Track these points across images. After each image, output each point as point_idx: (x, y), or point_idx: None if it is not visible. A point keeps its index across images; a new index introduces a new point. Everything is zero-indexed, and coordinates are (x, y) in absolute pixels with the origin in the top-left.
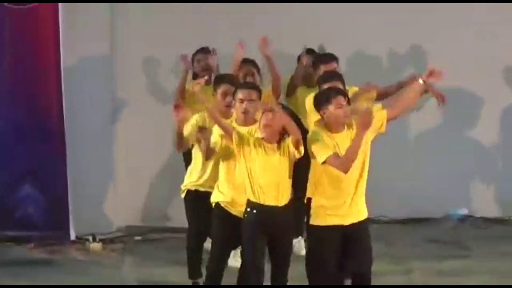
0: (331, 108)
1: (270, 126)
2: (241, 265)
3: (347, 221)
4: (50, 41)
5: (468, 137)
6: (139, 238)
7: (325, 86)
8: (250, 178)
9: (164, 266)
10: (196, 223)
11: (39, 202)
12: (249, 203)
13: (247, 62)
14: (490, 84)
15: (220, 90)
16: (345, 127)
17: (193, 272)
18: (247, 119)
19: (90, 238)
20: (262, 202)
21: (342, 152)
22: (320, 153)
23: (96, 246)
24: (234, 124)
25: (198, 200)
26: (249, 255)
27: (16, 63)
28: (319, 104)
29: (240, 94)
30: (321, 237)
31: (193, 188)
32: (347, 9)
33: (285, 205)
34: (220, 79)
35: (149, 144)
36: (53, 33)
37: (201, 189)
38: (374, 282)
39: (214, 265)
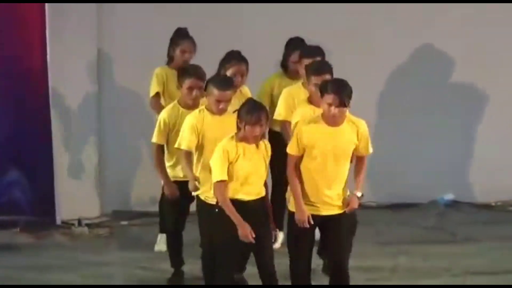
0: (324, 103)
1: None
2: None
3: (322, 212)
4: (36, 29)
5: (454, 124)
6: (125, 222)
7: (314, 78)
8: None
9: (150, 251)
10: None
11: (25, 187)
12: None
13: (240, 59)
14: (477, 73)
15: (185, 85)
16: (347, 123)
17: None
18: (221, 113)
19: (76, 223)
20: (239, 197)
21: (337, 145)
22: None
23: (82, 230)
24: (206, 113)
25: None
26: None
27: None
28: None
29: (216, 93)
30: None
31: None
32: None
33: (261, 198)
34: (185, 72)
35: (136, 128)
36: (39, 28)
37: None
38: (361, 264)
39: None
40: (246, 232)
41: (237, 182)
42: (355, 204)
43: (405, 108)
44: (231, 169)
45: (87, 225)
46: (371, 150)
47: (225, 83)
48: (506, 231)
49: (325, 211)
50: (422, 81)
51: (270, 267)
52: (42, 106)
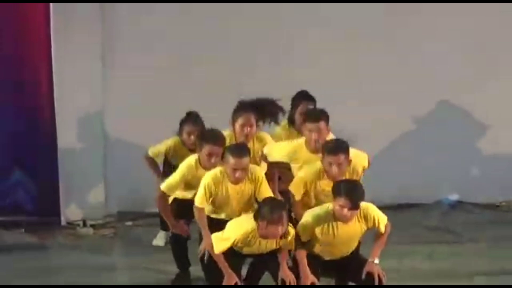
0: (336, 204)
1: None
2: None
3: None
4: (40, 29)
5: (458, 123)
6: (130, 223)
7: (308, 126)
8: None
9: (155, 251)
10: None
11: (30, 188)
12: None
13: (245, 108)
14: (479, 72)
15: (205, 151)
16: (356, 219)
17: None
18: (238, 182)
19: (81, 223)
20: None
21: (347, 236)
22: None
23: (86, 231)
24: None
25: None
26: None
27: (2, 50)
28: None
29: (232, 162)
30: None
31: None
32: None
33: None
34: (205, 137)
35: (142, 128)
36: (44, 22)
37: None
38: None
39: None
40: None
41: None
42: (374, 270)
43: (410, 108)
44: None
45: (92, 225)
46: (383, 229)
47: (241, 150)
48: (511, 231)
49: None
50: (427, 79)
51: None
52: (47, 106)
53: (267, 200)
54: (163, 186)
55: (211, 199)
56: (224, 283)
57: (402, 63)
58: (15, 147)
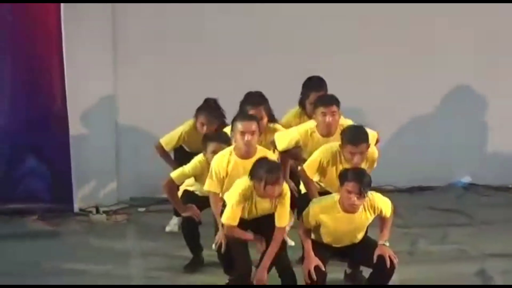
0: (343, 191)
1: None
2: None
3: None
4: (50, 20)
5: (471, 106)
6: (143, 209)
7: (321, 109)
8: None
9: (168, 237)
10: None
11: (43, 175)
12: None
13: (255, 103)
14: (496, 54)
15: (209, 149)
16: (363, 209)
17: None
18: (248, 147)
19: (94, 210)
20: None
21: (353, 227)
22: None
23: (99, 218)
24: (233, 157)
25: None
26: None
27: (17, 44)
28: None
29: (240, 126)
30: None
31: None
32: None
33: None
34: (208, 138)
35: (153, 115)
36: (55, 23)
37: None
38: None
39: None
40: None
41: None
42: (386, 252)
43: (423, 92)
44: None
45: (105, 212)
46: (388, 214)
47: (248, 116)
48: None
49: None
50: (439, 62)
51: (285, 260)
52: (59, 94)
53: (263, 161)
54: (173, 174)
55: (224, 181)
56: (258, 249)
57: (414, 48)
58: (28, 135)
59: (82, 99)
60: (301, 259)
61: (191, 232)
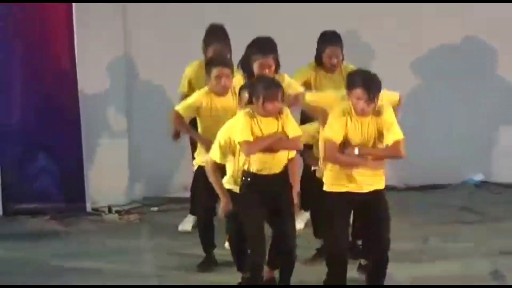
0: (352, 97)
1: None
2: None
3: (361, 189)
4: (63, 24)
5: (482, 103)
6: (155, 209)
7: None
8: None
9: (180, 236)
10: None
11: (55, 175)
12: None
13: (267, 50)
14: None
15: (213, 74)
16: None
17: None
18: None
19: (106, 209)
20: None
21: (365, 135)
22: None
23: (112, 217)
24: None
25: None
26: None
27: (28, 37)
28: (347, 86)
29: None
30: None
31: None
32: None
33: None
34: (212, 62)
35: (165, 115)
36: (66, 23)
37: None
38: (391, 246)
39: None
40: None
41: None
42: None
43: (435, 91)
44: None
45: (117, 212)
46: (390, 141)
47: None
48: None
49: (363, 188)
50: (451, 66)
51: (290, 241)
52: (71, 94)
53: (260, 77)
54: (177, 106)
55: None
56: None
57: (426, 51)
58: (40, 134)
59: (94, 98)
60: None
61: (206, 225)
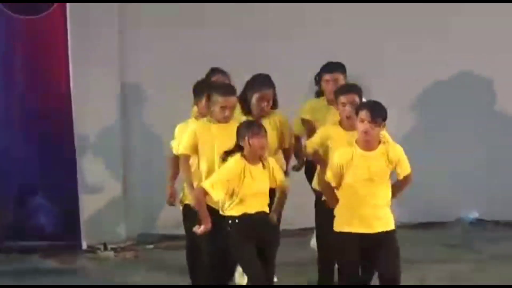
0: (358, 120)
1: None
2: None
3: (371, 230)
4: (59, 49)
5: (479, 140)
6: (151, 246)
7: (342, 98)
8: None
9: (176, 274)
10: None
11: (50, 212)
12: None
13: (265, 84)
14: (504, 90)
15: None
16: (381, 152)
17: None
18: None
19: (102, 247)
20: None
21: (372, 170)
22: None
23: (107, 254)
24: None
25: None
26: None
27: (27, 76)
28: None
29: (221, 100)
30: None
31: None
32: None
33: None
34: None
35: (161, 151)
36: (62, 46)
37: None
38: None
39: None
40: (206, 228)
41: (241, 200)
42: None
43: (429, 127)
44: (237, 188)
45: (113, 249)
46: (402, 174)
47: (229, 89)
48: None
49: (370, 230)
50: (447, 97)
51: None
52: (67, 132)
53: (243, 122)
54: (177, 149)
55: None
56: (201, 230)
57: (412, 83)
58: (35, 171)
59: (89, 136)
60: None
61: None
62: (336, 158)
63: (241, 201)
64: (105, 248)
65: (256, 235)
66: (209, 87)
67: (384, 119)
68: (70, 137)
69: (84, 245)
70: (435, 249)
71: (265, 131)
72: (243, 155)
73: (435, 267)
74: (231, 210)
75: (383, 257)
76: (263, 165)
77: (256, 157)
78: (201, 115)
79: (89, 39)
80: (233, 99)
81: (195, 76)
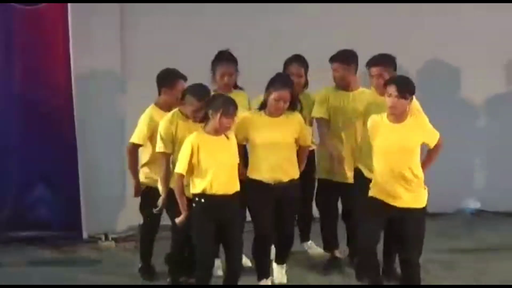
0: (386, 95)
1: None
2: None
3: (397, 204)
4: (60, 44)
5: (479, 131)
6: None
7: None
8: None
9: None
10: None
11: (52, 203)
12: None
13: (228, 59)
14: (501, 76)
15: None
16: (410, 124)
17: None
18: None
19: (103, 237)
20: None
21: (399, 142)
22: None
23: (108, 244)
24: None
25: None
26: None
27: (26, 66)
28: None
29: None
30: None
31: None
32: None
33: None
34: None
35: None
36: (62, 35)
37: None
38: None
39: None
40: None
41: (205, 176)
42: None
43: (430, 119)
44: (197, 163)
45: (114, 239)
46: (433, 143)
47: (203, 92)
48: None
49: (396, 203)
50: (446, 89)
51: (236, 264)
52: (68, 122)
53: (217, 95)
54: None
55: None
56: (180, 219)
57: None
58: (36, 162)
59: (90, 127)
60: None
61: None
62: (368, 121)
63: (205, 175)
64: (106, 238)
65: (218, 214)
66: (186, 90)
67: (412, 93)
68: (71, 126)
69: (85, 235)
70: (436, 239)
71: (237, 109)
72: (203, 128)
73: (436, 257)
74: (195, 188)
75: (403, 235)
76: (227, 137)
77: (219, 133)
78: (166, 105)
79: (90, 28)
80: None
81: (196, 71)
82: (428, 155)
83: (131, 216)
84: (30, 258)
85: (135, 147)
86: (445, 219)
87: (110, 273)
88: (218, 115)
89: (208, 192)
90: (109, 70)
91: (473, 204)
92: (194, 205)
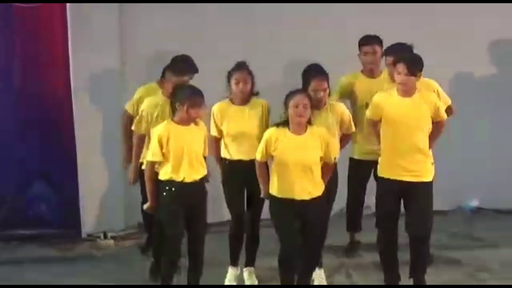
0: (395, 73)
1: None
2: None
3: (404, 178)
4: (58, 41)
5: (479, 129)
6: None
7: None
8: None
9: None
10: None
11: (51, 201)
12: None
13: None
14: (501, 74)
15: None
16: (417, 94)
17: None
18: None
19: (102, 235)
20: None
21: (407, 115)
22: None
23: (107, 243)
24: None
25: None
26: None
27: (25, 63)
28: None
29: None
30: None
31: None
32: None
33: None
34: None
35: None
36: (61, 33)
37: None
38: None
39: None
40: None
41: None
42: None
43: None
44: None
45: (113, 237)
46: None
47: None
48: None
49: (406, 177)
50: (447, 84)
51: (198, 248)
52: (67, 120)
53: (185, 86)
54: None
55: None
56: (147, 206)
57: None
58: (36, 160)
59: (90, 124)
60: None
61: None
62: (376, 96)
63: (174, 164)
64: (105, 237)
65: (186, 199)
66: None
67: (420, 70)
68: (70, 125)
69: (84, 234)
70: (436, 237)
71: (203, 99)
72: (172, 119)
73: (436, 255)
74: (164, 175)
75: (411, 211)
76: (196, 124)
77: (188, 123)
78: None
79: (88, 25)
80: (186, 79)
81: (198, 67)
82: (432, 130)
83: (130, 214)
84: (29, 256)
85: (142, 137)
86: (445, 216)
87: (109, 271)
88: (185, 107)
89: (176, 179)
90: (109, 69)
91: (473, 202)
92: (164, 193)
